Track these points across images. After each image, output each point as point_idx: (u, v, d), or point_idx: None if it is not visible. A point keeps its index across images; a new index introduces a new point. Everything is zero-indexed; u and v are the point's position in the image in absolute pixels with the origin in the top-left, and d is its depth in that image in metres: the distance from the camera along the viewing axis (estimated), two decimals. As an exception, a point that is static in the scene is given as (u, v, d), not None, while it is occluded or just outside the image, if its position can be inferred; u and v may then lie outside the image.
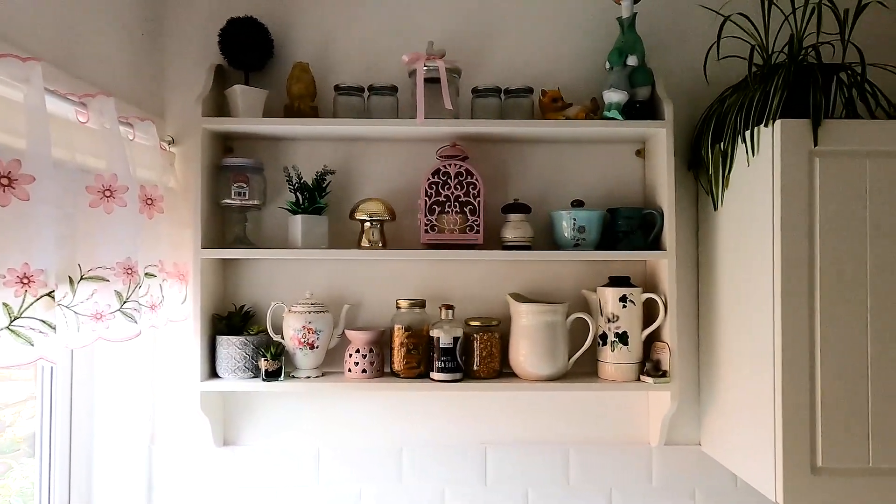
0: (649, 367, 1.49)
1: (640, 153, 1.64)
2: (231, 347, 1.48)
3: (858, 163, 1.25)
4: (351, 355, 1.51)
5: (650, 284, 1.58)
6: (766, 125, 1.28)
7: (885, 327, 1.24)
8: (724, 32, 1.54)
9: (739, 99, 1.38)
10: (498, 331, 1.52)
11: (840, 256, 1.24)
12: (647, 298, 1.51)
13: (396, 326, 1.51)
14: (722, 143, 1.43)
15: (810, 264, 1.24)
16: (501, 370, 1.53)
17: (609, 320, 1.50)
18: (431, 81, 1.50)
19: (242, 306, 1.58)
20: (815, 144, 1.23)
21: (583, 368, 1.57)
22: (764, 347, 1.29)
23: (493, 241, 1.56)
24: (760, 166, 1.30)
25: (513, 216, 1.53)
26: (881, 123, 1.26)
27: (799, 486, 1.22)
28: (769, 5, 1.39)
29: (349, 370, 1.51)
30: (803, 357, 1.23)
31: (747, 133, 1.33)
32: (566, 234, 1.51)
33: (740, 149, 1.37)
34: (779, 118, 1.25)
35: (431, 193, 1.49)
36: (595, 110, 1.53)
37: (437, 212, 1.49)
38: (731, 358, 1.44)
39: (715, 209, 1.51)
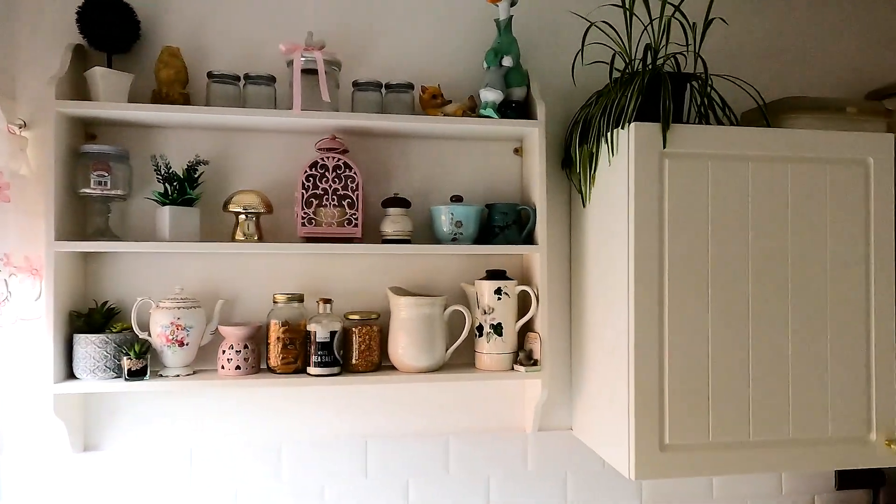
0: (522, 356, 1.55)
1: (517, 151, 1.70)
2: (90, 346, 1.39)
3: (702, 164, 1.36)
4: (224, 352, 1.47)
5: (526, 277, 1.65)
6: (622, 128, 1.37)
7: (724, 315, 1.36)
8: (594, 39, 1.64)
9: (603, 102, 1.47)
10: (377, 324, 1.53)
11: (685, 250, 1.35)
12: (521, 291, 1.57)
13: (273, 321, 1.48)
14: (588, 144, 1.51)
15: (660, 257, 1.34)
16: (381, 363, 1.54)
17: (485, 312, 1.55)
18: (311, 73, 1.48)
19: (105, 303, 1.49)
20: (664, 146, 1.33)
21: (461, 360, 1.61)
22: (620, 335, 1.38)
23: (374, 235, 1.57)
24: (619, 166, 1.39)
25: (392, 210, 1.54)
26: (721, 129, 1.38)
27: (649, 463, 1.32)
28: (630, 16, 1.49)
29: (222, 367, 1.47)
30: (653, 344, 1.33)
31: (609, 134, 1.42)
32: (444, 229, 1.54)
33: (603, 149, 1.46)
34: (635, 121, 1.34)
35: (308, 186, 1.47)
36: (473, 108, 1.57)
37: (314, 205, 1.48)
38: (596, 346, 1.53)
39: (584, 206, 1.60)
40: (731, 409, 1.36)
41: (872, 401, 1.41)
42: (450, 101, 1.58)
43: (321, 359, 1.45)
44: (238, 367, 1.46)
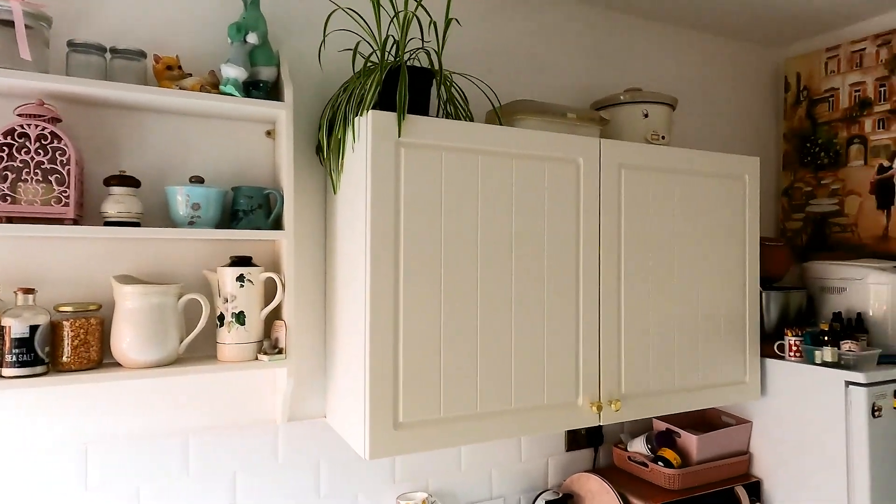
0: (267, 345, 1.50)
1: (270, 134, 1.64)
2: None
3: (436, 155, 1.44)
4: None
5: (278, 265, 1.60)
6: (362, 115, 1.39)
7: (455, 296, 1.45)
8: (348, 26, 1.65)
9: (350, 90, 1.48)
10: (97, 317, 1.37)
11: (420, 235, 1.41)
12: (268, 278, 1.52)
13: (-47, 316, 1.25)
14: (336, 131, 1.51)
15: (395, 242, 1.39)
16: (102, 360, 1.38)
17: (227, 300, 1.47)
18: (8, 25, 1.27)
19: None
20: (399, 136, 1.38)
21: (202, 352, 1.52)
22: (358, 319, 1.40)
23: (98, 217, 1.40)
24: (360, 153, 1.41)
25: (117, 190, 1.38)
26: (454, 123, 1.46)
27: (383, 441, 1.36)
28: (377, 7, 1.51)
29: None
30: (388, 326, 1.37)
31: (353, 122, 1.43)
32: (180, 212, 1.43)
33: (349, 137, 1.47)
34: (373, 110, 1.37)
35: (3, 157, 1.26)
36: (215, 84, 1.48)
37: (10, 179, 1.27)
38: (343, 332, 1.54)
39: (335, 193, 1.60)
40: (461, 385, 1.46)
41: (580, 371, 1.61)
42: (189, 75, 1.47)
43: (18, 358, 1.25)
44: None
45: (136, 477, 1.49)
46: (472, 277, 1.47)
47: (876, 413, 1.69)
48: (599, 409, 1.61)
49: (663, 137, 1.90)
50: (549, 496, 1.90)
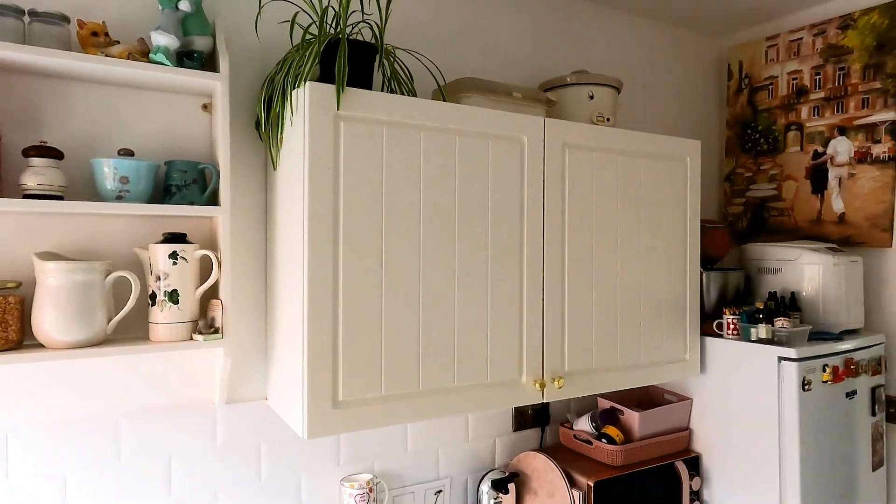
0: (202, 325, 1.46)
1: (206, 108, 1.58)
2: None
3: (377, 129, 1.41)
4: None
5: (214, 242, 1.55)
6: (300, 88, 1.35)
7: (396, 272, 1.44)
8: (289, -2, 1.60)
9: (289, 63, 1.43)
10: (16, 295, 1.30)
11: (360, 209, 1.39)
12: (203, 255, 1.47)
13: None
14: (275, 105, 1.47)
15: (335, 216, 1.36)
16: (23, 341, 1.31)
17: (159, 279, 1.41)
18: (-88, -19, 1.18)
19: None
20: (338, 109, 1.35)
21: (134, 333, 1.46)
22: (296, 297, 1.37)
23: (17, 189, 1.32)
24: (299, 126, 1.37)
25: (37, 161, 1.31)
26: (396, 98, 1.44)
27: (321, 420, 1.34)
28: (317, -23, 1.48)
29: None
30: (327, 303, 1.35)
31: (291, 95, 1.39)
32: (107, 185, 1.36)
33: (288, 111, 1.43)
34: (313, 82, 1.33)
35: None
36: (145, 52, 1.42)
37: (-85, 147, 1.18)
38: (283, 311, 1.51)
39: (275, 169, 1.56)
40: (402, 363, 1.44)
41: (523, 348, 1.62)
42: (117, 42, 1.40)
43: (-74, 338, 1.18)
44: None
45: (62, 464, 1.42)
46: (413, 254, 1.46)
47: (806, 387, 1.76)
48: (543, 386, 1.63)
49: (608, 120, 1.92)
50: (495, 475, 1.91)
